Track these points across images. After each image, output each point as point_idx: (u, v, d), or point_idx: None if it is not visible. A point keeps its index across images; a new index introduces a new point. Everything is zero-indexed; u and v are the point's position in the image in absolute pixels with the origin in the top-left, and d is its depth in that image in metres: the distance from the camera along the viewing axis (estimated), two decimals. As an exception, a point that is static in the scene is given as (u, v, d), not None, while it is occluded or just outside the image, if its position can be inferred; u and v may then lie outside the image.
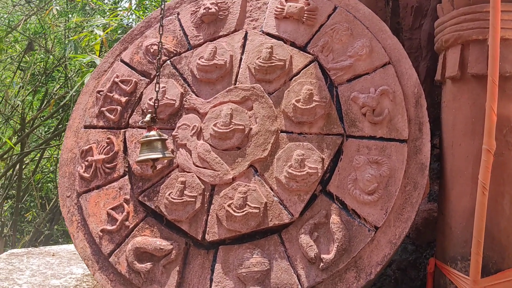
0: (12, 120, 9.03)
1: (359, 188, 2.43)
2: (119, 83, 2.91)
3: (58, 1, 9.18)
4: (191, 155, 2.66)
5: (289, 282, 2.38)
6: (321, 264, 2.36)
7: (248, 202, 2.49)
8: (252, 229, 2.48)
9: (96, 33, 6.27)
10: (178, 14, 3.02)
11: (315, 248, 2.39)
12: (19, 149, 8.81)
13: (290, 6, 2.80)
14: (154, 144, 2.32)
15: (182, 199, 2.57)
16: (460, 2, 2.33)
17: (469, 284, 2.18)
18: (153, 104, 2.67)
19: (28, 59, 8.93)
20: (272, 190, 2.53)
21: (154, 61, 2.90)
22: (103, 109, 2.88)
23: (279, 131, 2.61)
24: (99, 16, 7.36)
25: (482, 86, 2.20)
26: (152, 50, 2.93)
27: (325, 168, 2.51)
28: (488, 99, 2.13)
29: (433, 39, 2.65)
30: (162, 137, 2.37)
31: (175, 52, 2.92)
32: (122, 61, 2.99)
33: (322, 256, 2.37)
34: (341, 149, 2.54)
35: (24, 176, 9.55)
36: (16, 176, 9.19)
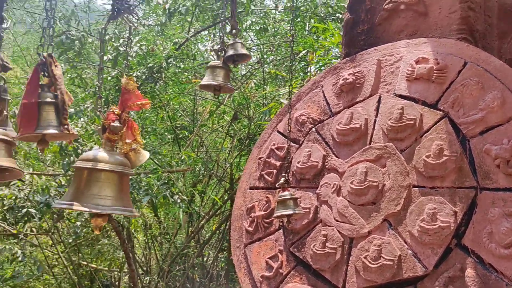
0: (223, 181, 10.45)
1: (495, 241, 2.41)
2: (275, 150, 3.43)
3: (257, 75, 10.58)
4: (332, 211, 2.97)
5: (424, 333, 2.45)
6: (456, 317, 2.38)
7: (382, 254, 2.67)
8: (388, 280, 2.64)
9: (282, 102, 7.14)
10: (322, 86, 3.45)
11: (449, 301, 2.42)
12: (229, 206, 10.12)
13: (419, 67, 2.97)
14: (287, 203, 2.73)
15: (325, 250, 2.89)
16: None
17: None
18: (300, 166, 3.13)
19: (234, 126, 10.38)
20: (405, 243, 2.66)
21: (302, 129, 3.36)
22: (263, 172, 3.43)
23: (411, 186, 2.75)
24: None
25: None
26: (300, 120, 3.39)
27: (458, 221, 2.55)
28: None
29: None
30: (293, 197, 2.77)
31: (319, 120, 3.33)
32: (277, 131, 3.52)
33: (457, 309, 2.39)
34: (475, 202, 2.55)
35: (235, 231, 10.81)
36: (229, 230, 10.46)
